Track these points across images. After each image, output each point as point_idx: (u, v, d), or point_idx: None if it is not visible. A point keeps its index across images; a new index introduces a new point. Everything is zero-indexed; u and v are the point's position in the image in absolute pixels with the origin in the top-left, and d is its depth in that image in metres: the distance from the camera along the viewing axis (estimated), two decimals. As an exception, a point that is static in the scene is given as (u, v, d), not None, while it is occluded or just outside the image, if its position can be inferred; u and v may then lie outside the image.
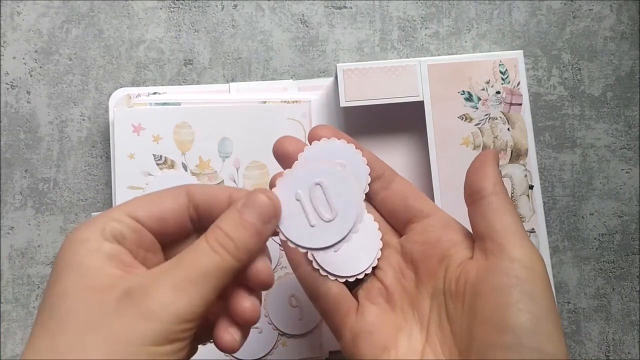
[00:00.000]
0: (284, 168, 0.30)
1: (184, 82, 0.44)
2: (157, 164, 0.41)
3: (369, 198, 0.32)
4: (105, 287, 0.23)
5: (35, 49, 0.44)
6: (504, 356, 0.25)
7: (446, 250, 0.30)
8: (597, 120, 0.45)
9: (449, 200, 0.40)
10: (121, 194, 0.40)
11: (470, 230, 0.30)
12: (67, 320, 0.23)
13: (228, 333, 0.26)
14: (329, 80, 0.43)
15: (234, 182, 0.41)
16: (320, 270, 0.30)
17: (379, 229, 0.31)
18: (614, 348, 0.43)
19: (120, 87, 0.43)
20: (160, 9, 0.44)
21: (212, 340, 0.27)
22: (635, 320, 0.43)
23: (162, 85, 0.44)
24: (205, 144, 0.41)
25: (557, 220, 0.44)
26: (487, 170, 0.29)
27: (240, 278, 0.26)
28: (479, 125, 0.41)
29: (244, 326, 0.27)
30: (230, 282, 0.25)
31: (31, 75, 0.44)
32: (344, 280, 0.30)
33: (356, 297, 0.31)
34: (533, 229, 0.40)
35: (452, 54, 0.45)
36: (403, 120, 0.43)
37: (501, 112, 0.41)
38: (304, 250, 0.27)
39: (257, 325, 0.40)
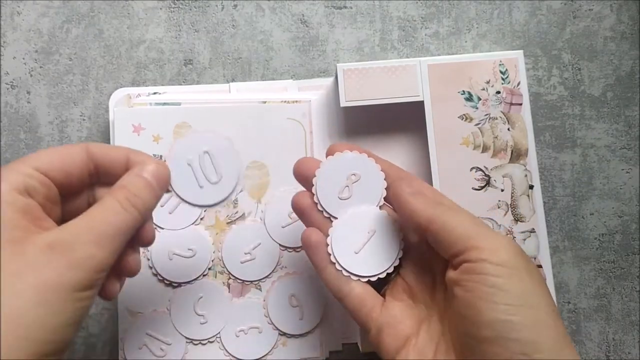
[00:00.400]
0: (306, 188, 0.35)
1: (184, 82, 0.44)
2: (157, 164, 0.41)
3: (390, 200, 0.33)
4: (24, 239, 0.26)
5: (35, 49, 0.44)
6: (489, 349, 0.27)
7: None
8: (597, 120, 0.45)
9: (449, 200, 0.40)
10: (121, 194, 0.40)
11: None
12: None
13: (112, 284, 0.31)
14: (329, 80, 0.43)
15: (234, 182, 0.41)
16: (343, 272, 0.33)
17: (400, 230, 0.34)
18: (614, 348, 0.43)
19: (121, 87, 0.43)
20: (161, 9, 0.44)
21: None
22: (635, 320, 0.43)
23: (162, 85, 0.44)
24: (205, 144, 0.41)
25: (557, 220, 0.44)
26: (408, 201, 0.31)
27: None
28: (479, 125, 0.41)
29: (124, 277, 0.32)
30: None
31: (31, 75, 0.44)
32: (366, 280, 0.33)
33: (384, 295, 0.33)
34: (533, 228, 0.40)
35: (452, 54, 0.45)
36: (403, 120, 0.43)
37: (501, 112, 0.41)
38: (196, 208, 0.33)
39: (257, 325, 0.40)
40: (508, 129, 0.41)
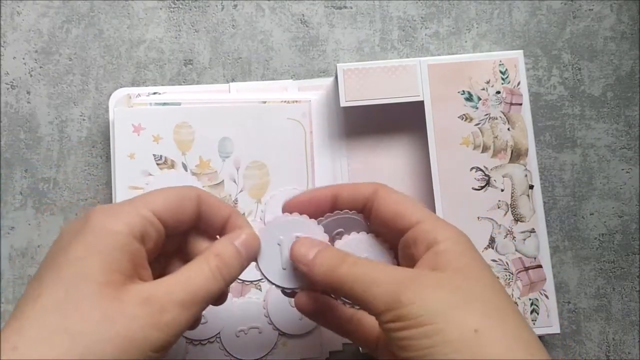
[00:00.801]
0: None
1: (184, 82, 0.44)
2: (157, 164, 0.41)
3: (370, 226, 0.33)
4: (123, 286, 0.26)
5: (35, 49, 0.44)
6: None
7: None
8: (597, 120, 0.45)
9: (449, 200, 0.40)
10: (121, 194, 0.40)
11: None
12: (85, 307, 0.25)
13: None
14: (329, 80, 0.43)
15: (234, 182, 0.41)
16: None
17: (390, 251, 0.33)
18: (614, 348, 0.43)
19: (121, 87, 0.43)
20: (160, 9, 0.44)
21: None
22: (635, 320, 0.43)
23: (162, 85, 0.44)
24: (206, 143, 0.41)
25: (557, 220, 0.44)
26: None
27: None
28: (479, 125, 0.41)
29: None
30: None
31: (31, 75, 0.44)
32: None
33: None
34: (533, 228, 0.40)
35: (452, 53, 0.45)
36: (403, 120, 0.43)
37: (501, 112, 0.41)
38: (274, 286, 0.32)
39: (257, 325, 0.40)
40: (508, 129, 0.41)
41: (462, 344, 0.25)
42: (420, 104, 0.41)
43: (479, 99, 0.41)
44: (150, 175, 0.41)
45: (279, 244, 0.32)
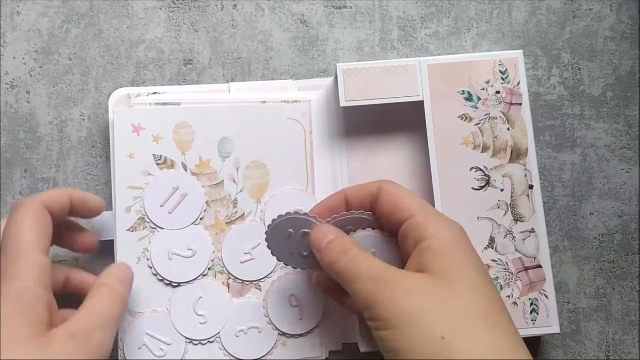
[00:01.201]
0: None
1: (184, 82, 0.44)
2: (157, 164, 0.41)
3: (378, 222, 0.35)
4: (49, 332, 0.30)
5: (35, 49, 0.44)
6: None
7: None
8: (597, 120, 0.45)
9: (449, 200, 0.40)
10: (121, 194, 0.40)
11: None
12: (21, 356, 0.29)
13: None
14: (329, 80, 0.43)
15: (234, 182, 0.41)
16: None
17: (396, 247, 0.35)
18: (614, 348, 0.43)
19: (120, 87, 0.43)
20: (160, 9, 0.44)
21: None
22: (635, 320, 0.43)
23: (162, 85, 0.44)
24: (205, 144, 0.41)
25: (557, 220, 0.44)
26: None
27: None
28: (479, 125, 0.41)
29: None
30: None
31: (31, 75, 0.44)
32: None
33: None
34: (533, 228, 0.40)
35: (452, 53, 0.45)
36: (403, 120, 0.43)
37: (501, 112, 0.41)
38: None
39: (257, 325, 0.40)
40: (508, 129, 0.41)
41: (428, 351, 0.26)
42: (420, 104, 0.41)
43: (479, 99, 0.41)
44: (150, 175, 0.41)
45: (288, 236, 0.36)
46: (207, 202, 0.41)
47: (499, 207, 0.40)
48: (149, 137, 0.41)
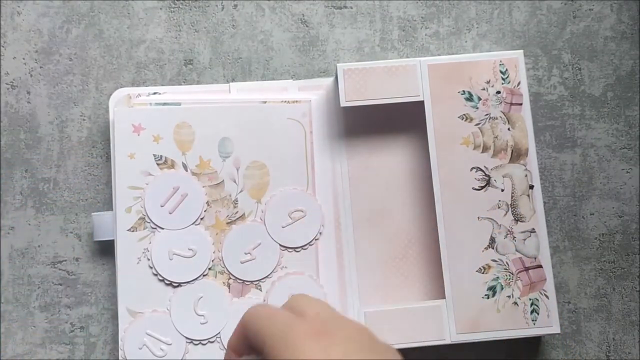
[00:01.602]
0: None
1: (184, 82, 0.44)
2: (157, 164, 0.41)
3: None
4: None
5: (35, 49, 0.44)
6: None
7: None
8: (598, 120, 0.45)
9: (449, 200, 0.40)
10: (121, 194, 0.40)
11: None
12: None
13: None
14: (329, 80, 0.43)
15: (234, 182, 0.41)
16: None
17: None
18: (614, 348, 0.43)
19: (121, 87, 0.43)
20: (161, 9, 0.44)
21: None
22: (635, 320, 0.43)
23: (163, 85, 0.44)
24: (206, 144, 0.41)
25: (557, 220, 0.44)
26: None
27: None
28: (479, 125, 0.41)
29: None
30: None
31: (31, 75, 0.44)
32: None
33: None
34: (533, 228, 0.40)
35: (453, 53, 0.45)
36: (403, 120, 0.43)
37: (501, 111, 0.41)
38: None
39: (257, 325, 0.40)
40: (508, 129, 0.41)
41: None
42: (421, 104, 0.41)
43: (479, 99, 0.41)
44: (150, 175, 0.41)
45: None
46: (207, 202, 0.41)
47: (499, 207, 0.40)
48: (149, 137, 0.41)
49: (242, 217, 0.41)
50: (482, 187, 0.40)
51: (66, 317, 0.42)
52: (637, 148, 0.44)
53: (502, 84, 0.41)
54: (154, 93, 0.42)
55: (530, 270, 0.40)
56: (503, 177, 0.41)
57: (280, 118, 0.42)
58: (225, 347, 0.40)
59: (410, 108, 0.41)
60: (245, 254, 0.41)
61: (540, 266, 0.40)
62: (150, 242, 0.40)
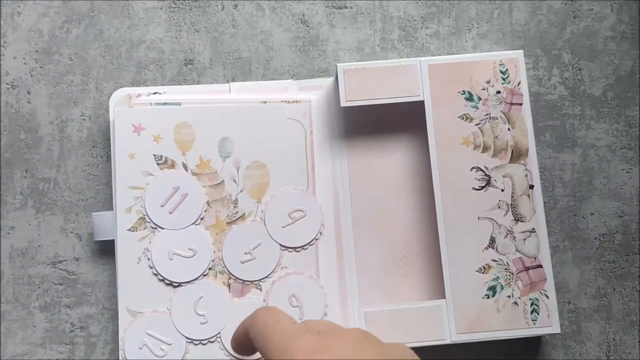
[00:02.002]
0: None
1: (184, 82, 0.44)
2: (158, 164, 0.41)
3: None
4: None
5: (35, 49, 0.44)
6: None
7: None
8: (598, 120, 0.45)
9: (449, 200, 0.40)
10: (121, 194, 0.40)
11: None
12: None
13: None
14: (330, 80, 0.43)
15: (235, 182, 0.41)
16: None
17: None
18: (614, 348, 0.43)
19: (121, 87, 0.43)
20: (161, 9, 0.44)
21: None
22: (635, 320, 0.43)
23: (163, 85, 0.44)
24: (206, 144, 0.41)
25: (557, 220, 0.44)
26: None
27: None
28: (480, 125, 0.41)
29: None
30: None
31: (32, 75, 0.44)
32: None
33: None
34: (533, 228, 0.40)
35: (453, 53, 0.45)
36: (403, 120, 0.43)
37: (501, 111, 0.41)
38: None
39: (257, 325, 0.40)
40: (508, 129, 0.41)
41: None
42: (421, 104, 0.41)
43: (479, 98, 0.41)
44: (151, 175, 0.41)
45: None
46: (207, 202, 0.41)
47: (499, 207, 0.40)
48: (149, 137, 0.41)
49: (242, 217, 0.41)
50: (482, 187, 0.40)
51: (66, 317, 0.42)
52: (637, 148, 0.44)
53: (502, 84, 0.41)
54: (154, 93, 0.42)
55: (530, 270, 0.40)
56: (503, 177, 0.41)
57: (280, 118, 0.42)
58: (225, 347, 0.40)
59: (410, 108, 0.41)
60: (246, 254, 0.41)
61: (541, 266, 0.40)
62: (150, 242, 0.40)
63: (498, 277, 0.40)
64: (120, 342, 0.39)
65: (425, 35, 0.45)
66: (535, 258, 0.40)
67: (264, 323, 0.30)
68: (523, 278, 0.40)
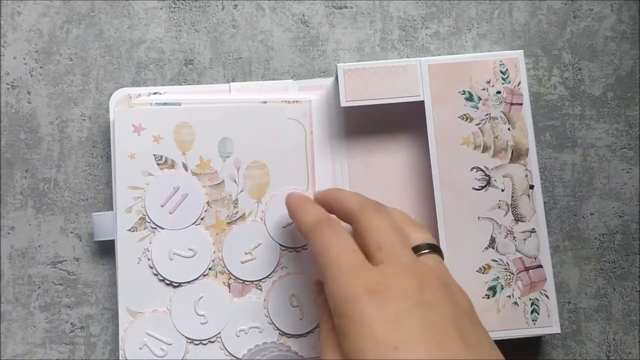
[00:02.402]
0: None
1: (184, 82, 0.44)
2: (158, 164, 0.41)
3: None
4: None
5: (35, 49, 0.44)
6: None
7: None
8: (598, 120, 0.45)
9: (449, 200, 0.40)
10: (121, 194, 0.40)
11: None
12: None
13: None
14: (330, 80, 0.43)
15: (235, 182, 0.41)
16: None
17: None
18: (614, 348, 0.43)
19: (121, 87, 0.43)
20: (161, 9, 0.44)
21: None
22: (635, 320, 0.43)
23: (163, 85, 0.44)
24: (206, 144, 0.41)
25: (557, 220, 0.44)
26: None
27: None
28: (480, 125, 0.41)
29: None
30: None
31: (32, 76, 0.44)
32: None
33: None
34: (533, 228, 0.40)
35: (453, 53, 0.45)
36: (403, 120, 0.43)
37: (502, 111, 0.41)
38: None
39: (257, 325, 0.40)
40: (508, 129, 0.41)
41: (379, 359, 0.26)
42: (421, 104, 0.41)
43: (480, 98, 0.41)
44: (151, 175, 0.41)
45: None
46: (207, 202, 0.41)
47: (499, 207, 0.40)
48: (149, 137, 0.41)
49: (243, 217, 0.41)
50: (482, 187, 0.40)
51: (66, 317, 0.42)
52: (637, 148, 0.44)
53: (502, 84, 0.41)
54: (154, 93, 0.42)
55: (530, 270, 0.40)
56: (503, 177, 0.41)
57: (281, 118, 0.42)
58: (225, 347, 0.40)
59: (410, 108, 0.41)
60: (246, 253, 0.41)
61: (541, 266, 0.40)
62: (150, 242, 0.40)
63: (498, 277, 0.40)
64: (120, 342, 0.39)
65: (425, 35, 0.45)
66: (535, 258, 0.40)
67: (321, 252, 0.31)
68: (523, 278, 0.40)
